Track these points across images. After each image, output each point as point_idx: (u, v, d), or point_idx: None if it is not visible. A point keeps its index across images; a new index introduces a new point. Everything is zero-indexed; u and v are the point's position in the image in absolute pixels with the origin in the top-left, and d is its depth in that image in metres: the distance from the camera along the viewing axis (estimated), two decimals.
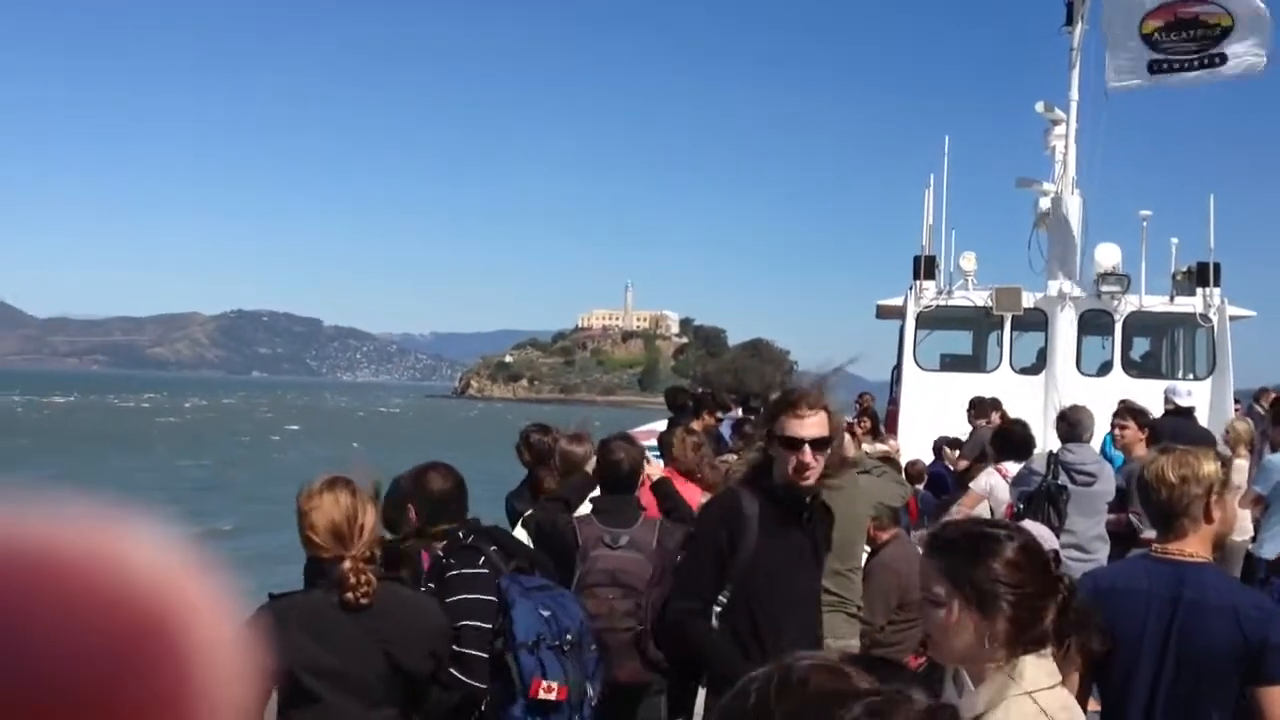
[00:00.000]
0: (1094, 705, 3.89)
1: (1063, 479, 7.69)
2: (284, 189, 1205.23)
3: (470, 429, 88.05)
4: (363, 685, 3.78)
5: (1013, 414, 11.33)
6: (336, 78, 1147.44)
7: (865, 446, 9.05)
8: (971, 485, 8.68)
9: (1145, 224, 15.69)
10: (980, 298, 15.48)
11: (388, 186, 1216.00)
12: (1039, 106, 16.10)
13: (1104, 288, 15.04)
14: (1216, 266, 15.23)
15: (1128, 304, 15.18)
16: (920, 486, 11.67)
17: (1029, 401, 13.51)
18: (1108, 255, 15.29)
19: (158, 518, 0.50)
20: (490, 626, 4.42)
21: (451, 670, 4.27)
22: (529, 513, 6.21)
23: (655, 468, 6.66)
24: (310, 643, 3.71)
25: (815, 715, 1.17)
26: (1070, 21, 15.60)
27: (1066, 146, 15.67)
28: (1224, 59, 14.53)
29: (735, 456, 8.78)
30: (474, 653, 4.37)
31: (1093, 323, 15.50)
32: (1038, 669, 2.64)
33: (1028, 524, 6.43)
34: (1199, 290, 15.14)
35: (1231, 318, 15.11)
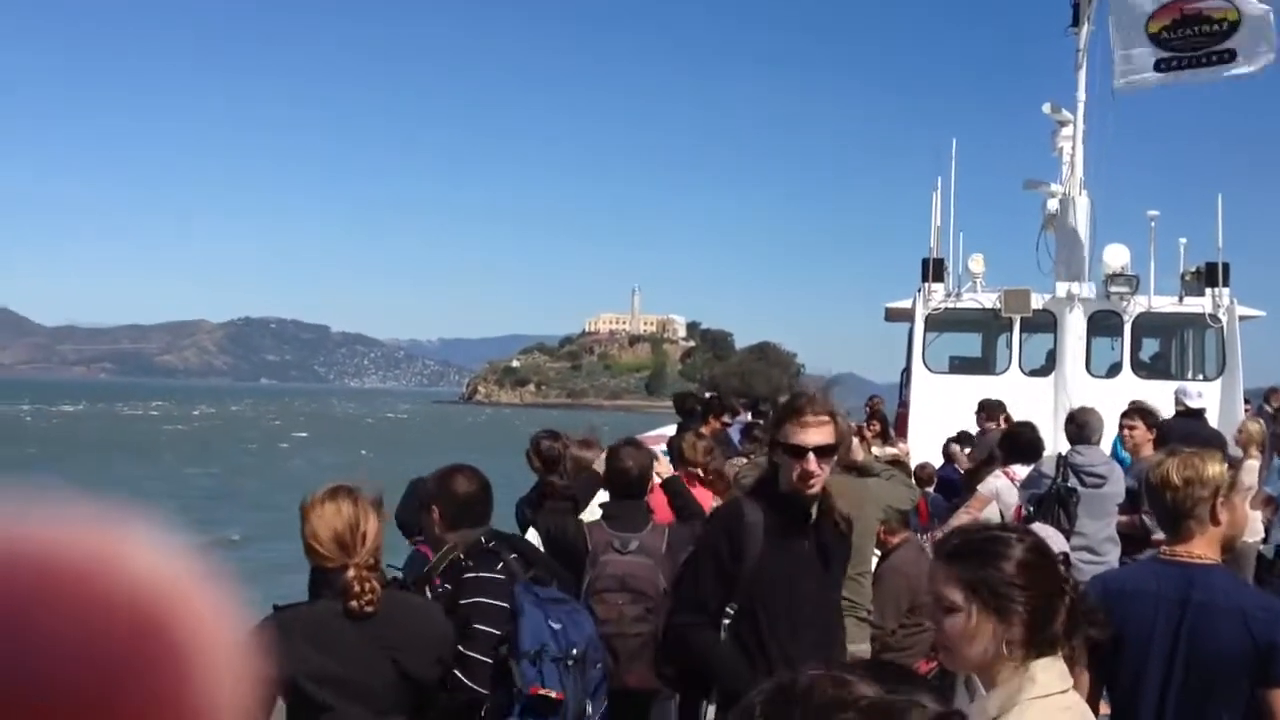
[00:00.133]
0: (1105, 709, 3.88)
1: (1072, 481, 7.68)
2: (291, 195, 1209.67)
3: (478, 434, 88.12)
4: (370, 693, 3.77)
5: (1022, 416, 11.30)
6: (340, 81, 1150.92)
7: (875, 450, 9.04)
8: (979, 488, 8.67)
9: (1153, 224, 15.66)
10: (989, 300, 15.46)
11: (393, 191, 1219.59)
12: (1046, 108, 16.09)
13: (1113, 289, 15.02)
14: (1225, 266, 15.21)
15: (1136, 305, 15.16)
16: (930, 489, 11.66)
17: (1039, 403, 13.47)
18: (1116, 256, 15.27)
19: (159, 521, 0.50)
20: (498, 633, 4.41)
21: (455, 673, 4.26)
22: (540, 517, 6.21)
23: (664, 465, 6.65)
24: (316, 653, 3.70)
25: None
26: (1076, 22, 15.59)
27: (1074, 148, 15.66)
28: (1233, 55, 14.48)
29: (745, 460, 8.80)
30: (479, 657, 4.35)
31: (1102, 324, 15.48)
32: (1049, 672, 2.64)
33: (1037, 526, 6.42)
34: (1208, 290, 15.11)
35: (1241, 318, 15.07)
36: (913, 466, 11.31)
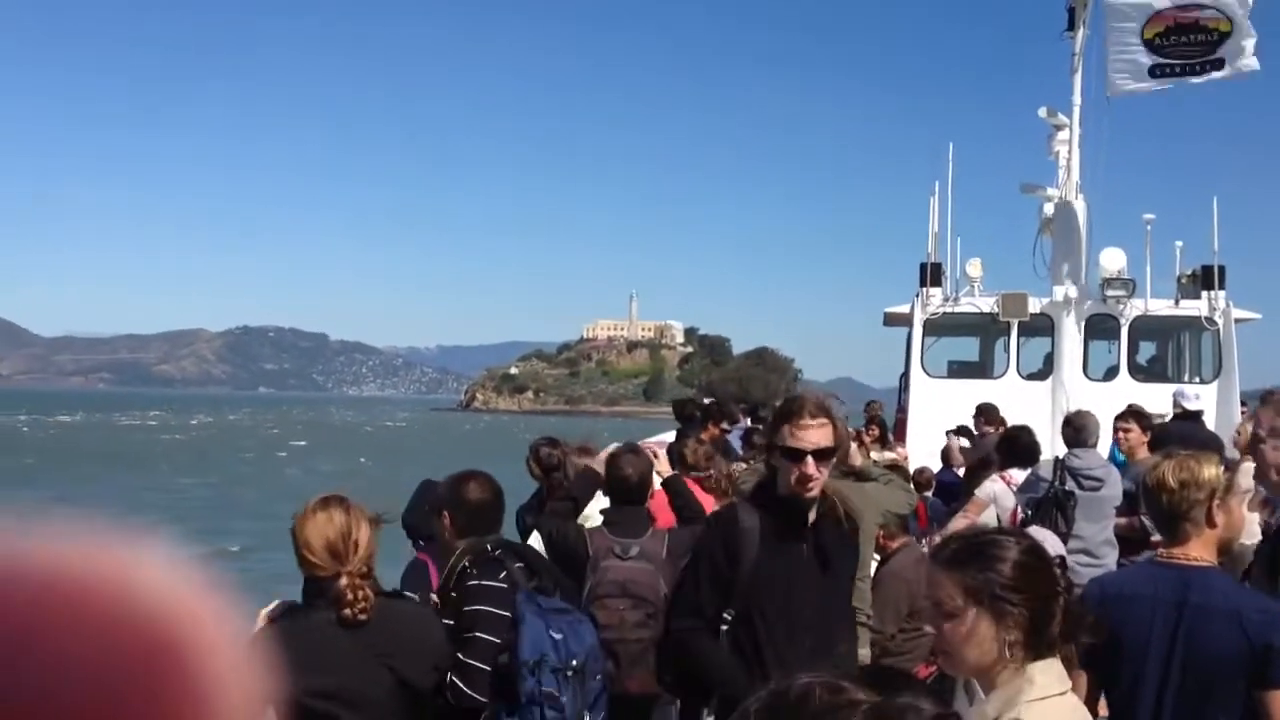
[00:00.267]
0: (1103, 710, 3.89)
1: (1070, 485, 7.68)
2: (289, 203, 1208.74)
3: (477, 441, 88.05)
4: (370, 702, 3.76)
5: (1020, 420, 11.31)
6: (336, 88, 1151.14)
7: (874, 454, 9.04)
8: (976, 492, 8.67)
9: (1149, 228, 15.67)
10: (987, 304, 15.48)
11: (391, 198, 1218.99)
12: (1042, 112, 16.11)
13: (1109, 292, 15.04)
14: (1221, 269, 15.23)
15: (1133, 308, 15.17)
16: (929, 494, 11.65)
17: (1036, 407, 13.49)
18: (1112, 259, 15.28)
19: (164, 537, 0.50)
20: (498, 641, 4.39)
21: (455, 680, 4.25)
22: (541, 520, 6.20)
23: (663, 463, 6.63)
24: (313, 667, 3.68)
25: None
26: (1072, 27, 15.61)
27: (1070, 151, 15.68)
28: (1222, 63, 14.57)
29: (745, 466, 8.80)
30: (478, 665, 4.34)
31: (1099, 327, 15.50)
32: (1048, 674, 2.65)
33: (1033, 530, 6.44)
34: (1204, 293, 15.13)
35: (1237, 320, 15.09)
36: (911, 471, 11.32)
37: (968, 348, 17.86)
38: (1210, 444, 8.81)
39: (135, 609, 0.48)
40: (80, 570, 0.48)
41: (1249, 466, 9.35)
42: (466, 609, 4.39)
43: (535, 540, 5.73)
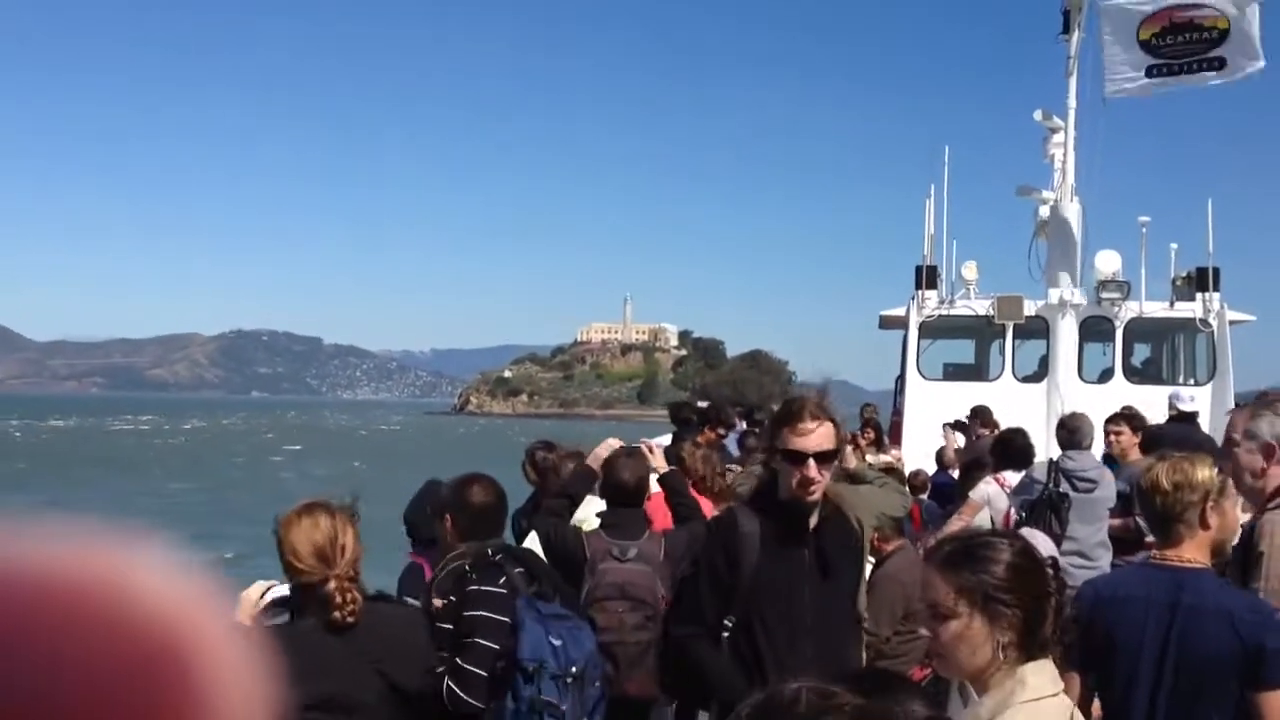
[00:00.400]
0: (1097, 711, 3.89)
1: (1064, 487, 7.69)
2: (283, 207, 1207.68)
3: (471, 445, 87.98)
4: (364, 708, 3.75)
5: (1015, 422, 11.33)
6: (330, 91, 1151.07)
7: (869, 457, 9.04)
8: (970, 495, 8.68)
9: (1144, 230, 15.73)
10: (982, 306, 15.51)
11: (385, 202, 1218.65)
12: (1037, 115, 16.16)
13: (1104, 294, 15.07)
14: (1216, 271, 15.26)
15: (1128, 310, 15.21)
16: (924, 496, 11.67)
17: (1032, 409, 13.52)
18: (1107, 262, 15.31)
19: (163, 542, 0.50)
20: (496, 647, 4.38)
21: (450, 685, 4.25)
22: (537, 520, 6.19)
23: (659, 460, 6.61)
24: (302, 671, 3.68)
25: None
26: (1067, 29, 15.66)
27: (1065, 154, 15.73)
28: (1222, 63, 14.56)
29: (740, 469, 8.79)
30: (476, 670, 4.33)
31: (1094, 329, 15.53)
32: (1041, 675, 2.65)
33: (1026, 532, 6.44)
34: (1199, 295, 15.16)
35: (1231, 322, 15.13)
36: (906, 473, 11.33)
37: (963, 350, 17.91)
38: (1205, 446, 8.83)
39: (132, 612, 0.47)
40: (76, 573, 0.47)
41: None
42: (465, 614, 4.37)
43: (532, 542, 5.72)
